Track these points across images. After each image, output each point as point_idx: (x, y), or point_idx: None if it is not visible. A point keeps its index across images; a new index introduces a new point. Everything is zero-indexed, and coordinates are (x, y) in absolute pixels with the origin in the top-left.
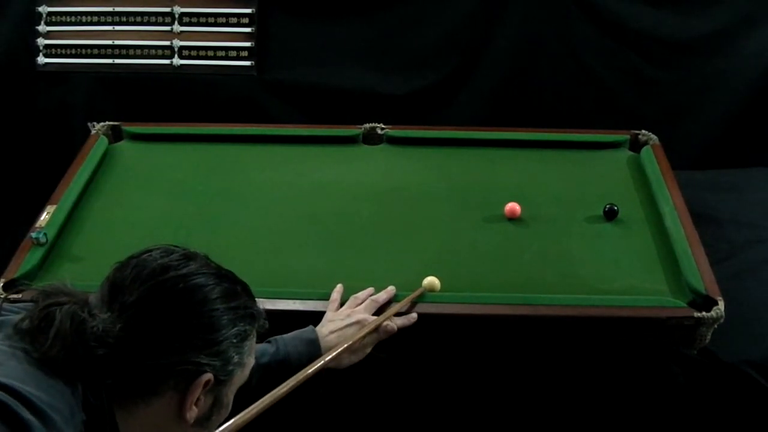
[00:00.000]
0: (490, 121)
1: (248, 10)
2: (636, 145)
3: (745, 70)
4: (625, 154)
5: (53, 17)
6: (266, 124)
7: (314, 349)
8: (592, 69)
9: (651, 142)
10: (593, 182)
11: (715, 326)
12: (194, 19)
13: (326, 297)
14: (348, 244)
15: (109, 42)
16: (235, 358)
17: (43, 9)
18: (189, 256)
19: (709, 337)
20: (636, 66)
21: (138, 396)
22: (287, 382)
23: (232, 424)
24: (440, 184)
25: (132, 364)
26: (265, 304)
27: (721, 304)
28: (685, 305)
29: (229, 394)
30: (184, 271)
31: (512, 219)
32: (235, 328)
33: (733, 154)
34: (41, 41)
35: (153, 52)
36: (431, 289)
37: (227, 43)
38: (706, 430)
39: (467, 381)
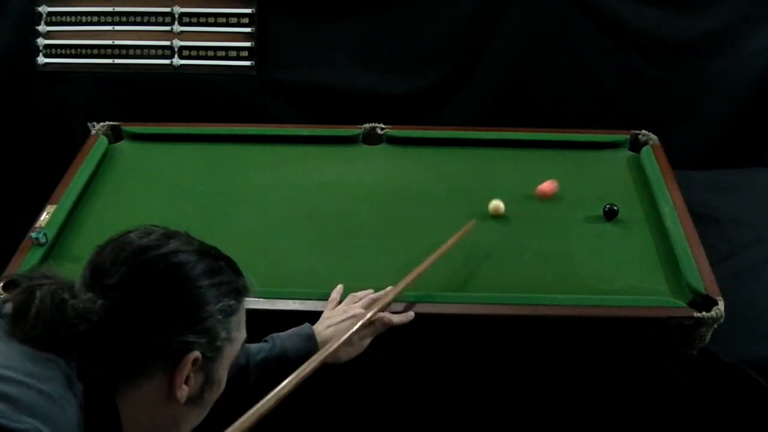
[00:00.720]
0: (490, 121)
1: (248, 10)
2: (636, 145)
3: (745, 70)
4: (625, 154)
5: (53, 17)
6: (266, 124)
7: (311, 344)
8: (592, 69)
9: (651, 142)
10: (593, 182)
11: (715, 326)
12: (194, 19)
13: (326, 297)
14: (348, 244)
15: (109, 42)
16: (223, 334)
17: (43, 9)
18: (169, 235)
19: (709, 337)
20: (636, 66)
21: (127, 378)
22: (288, 379)
23: (237, 426)
24: (440, 184)
25: (116, 346)
26: (265, 304)
27: (721, 304)
28: (685, 305)
29: (221, 370)
30: (164, 250)
31: (544, 198)
32: (220, 304)
33: (733, 154)
34: (41, 41)
35: (153, 52)
36: (496, 213)
37: (227, 43)
38: (706, 430)
39: (467, 381)
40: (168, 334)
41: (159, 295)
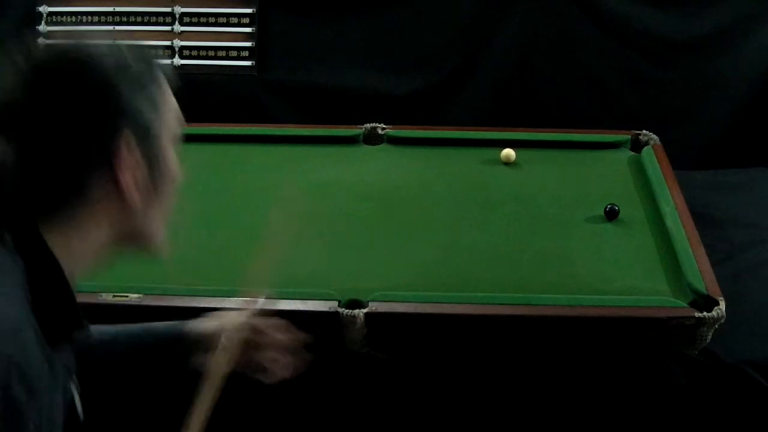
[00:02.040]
0: (490, 121)
1: (248, 10)
2: (637, 146)
3: (745, 70)
4: (626, 154)
5: (53, 17)
6: (266, 124)
7: (180, 325)
8: (592, 69)
9: (652, 143)
10: (594, 182)
11: (716, 326)
12: (195, 19)
13: (326, 297)
14: (348, 244)
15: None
16: (146, 107)
17: (44, 9)
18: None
19: (709, 337)
20: (636, 66)
21: (74, 208)
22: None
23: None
24: (440, 184)
25: (48, 178)
26: (266, 304)
27: (722, 304)
28: (685, 305)
29: (163, 153)
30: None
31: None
32: (129, 75)
33: (733, 154)
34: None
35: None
36: (507, 159)
37: (227, 43)
38: (706, 430)
39: (467, 381)
40: (89, 129)
41: (63, 91)
